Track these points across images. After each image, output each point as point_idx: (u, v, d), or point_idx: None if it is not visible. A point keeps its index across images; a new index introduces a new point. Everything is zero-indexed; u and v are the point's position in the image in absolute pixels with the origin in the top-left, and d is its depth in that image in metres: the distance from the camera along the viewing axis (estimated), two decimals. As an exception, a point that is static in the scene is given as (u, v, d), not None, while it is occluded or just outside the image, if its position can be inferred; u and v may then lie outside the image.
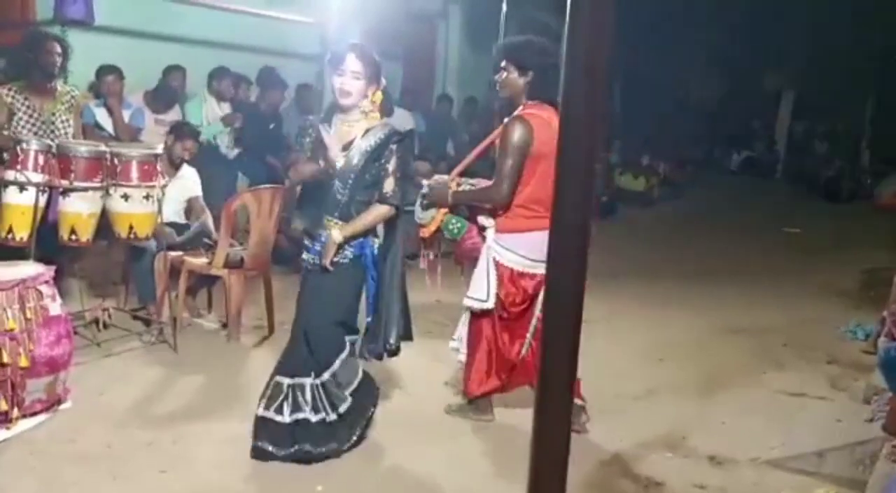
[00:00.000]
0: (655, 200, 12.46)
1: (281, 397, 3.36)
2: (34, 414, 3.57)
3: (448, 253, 4.05)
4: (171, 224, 5.07)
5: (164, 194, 4.50)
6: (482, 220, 3.71)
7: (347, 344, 3.44)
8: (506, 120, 3.69)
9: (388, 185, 3.28)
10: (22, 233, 4.12)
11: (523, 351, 3.78)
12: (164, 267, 4.81)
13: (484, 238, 3.72)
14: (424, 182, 3.87)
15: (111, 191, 4.26)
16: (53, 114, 4.65)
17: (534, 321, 3.72)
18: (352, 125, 3.32)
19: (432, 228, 3.79)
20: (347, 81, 3.24)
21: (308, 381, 3.35)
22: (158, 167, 4.46)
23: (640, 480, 3.45)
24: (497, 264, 3.66)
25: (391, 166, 3.28)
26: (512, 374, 3.82)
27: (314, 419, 3.35)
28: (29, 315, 3.47)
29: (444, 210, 3.76)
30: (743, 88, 17.28)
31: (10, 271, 3.56)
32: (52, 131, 4.62)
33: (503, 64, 3.72)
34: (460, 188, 3.76)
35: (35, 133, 4.51)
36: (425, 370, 4.55)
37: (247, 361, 4.62)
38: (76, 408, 3.76)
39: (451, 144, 9.81)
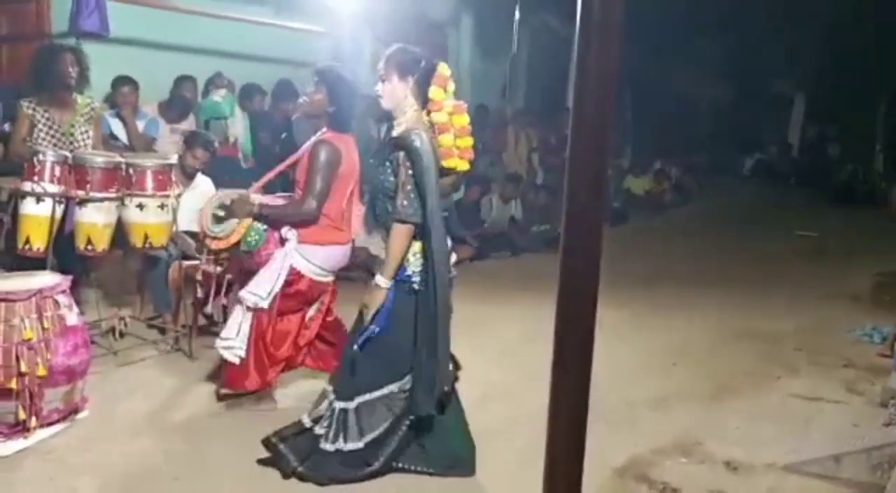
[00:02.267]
0: (667, 205, 12.44)
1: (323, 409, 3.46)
2: (52, 423, 3.60)
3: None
4: (186, 233, 5.10)
5: (178, 204, 4.54)
6: (285, 231, 3.78)
7: (386, 388, 3.33)
8: (313, 141, 3.80)
9: (400, 199, 3.15)
10: (39, 243, 4.16)
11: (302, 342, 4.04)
12: (179, 276, 4.84)
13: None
14: (222, 196, 3.93)
15: (126, 201, 4.30)
16: (72, 126, 4.69)
17: (307, 319, 4.01)
18: (397, 130, 3.31)
19: (233, 239, 3.84)
20: (379, 86, 3.29)
21: (338, 404, 3.35)
22: (173, 177, 4.51)
23: (655, 486, 3.44)
24: (292, 270, 3.77)
25: (401, 178, 3.15)
26: (287, 362, 4.05)
27: (328, 447, 3.33)
28: (46, 325, 3.50)
29: (246, 222, 3.81)
30: (755, 92, 17.23)
31: (28, 281, 3.60)
32: (72, 143, 4.65)
33: (320, 88, 3.78)
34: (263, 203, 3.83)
35: (54, 145, 4.55)
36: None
37: (261, 369, 4.64)
38: (93, 417, 3.79)
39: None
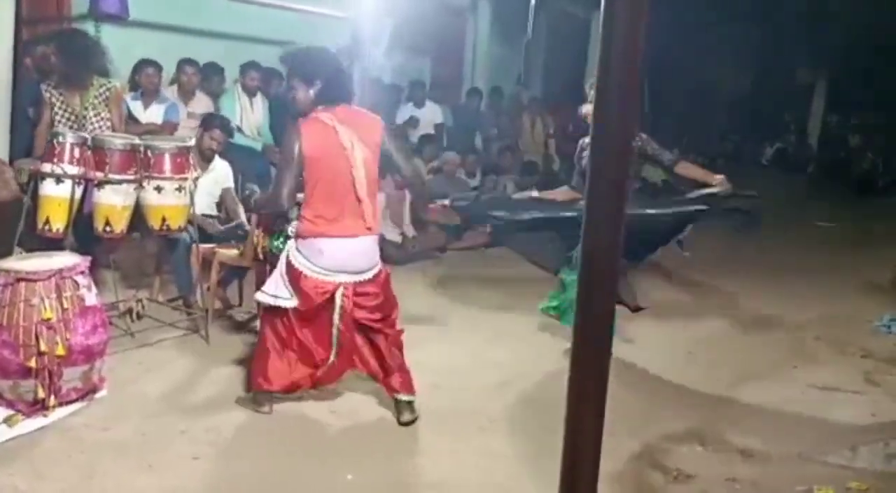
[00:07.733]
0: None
1: None
2: (70, 402, 3.63)
3: None
4: (204, 216, 5.12)
5: (196, 187, 4.55)
6: (289, 227, 3.67)
7: None
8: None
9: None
10: (58, 224, 4.19)
11: (331, 357, 3.69)
12: (196, 259, 4.86)
13: None
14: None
15: (144, 183, 4.31)
16: (86, 108, 4.70)
17: (334, 331, 3.64)
18: None
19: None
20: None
21: None
22: (191, 160, 4.52)
23: (670, 472, 3.44)
24: (290, 266, 3.60)
25: None
26: (313, 374, 3.74)
27: None
28: (65, 305, 3.52)
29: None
30: (775, 80, 17.07)
31: (47, 262, 3.62)
32: (84, 126, 4.66)
33: (292, 81, 3.67)
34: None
35: (69, 127, 4.57)
36: (455, 365, 4.58)
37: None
38: (111, 396, 3.81)
39: (479, 137, 9.81)
